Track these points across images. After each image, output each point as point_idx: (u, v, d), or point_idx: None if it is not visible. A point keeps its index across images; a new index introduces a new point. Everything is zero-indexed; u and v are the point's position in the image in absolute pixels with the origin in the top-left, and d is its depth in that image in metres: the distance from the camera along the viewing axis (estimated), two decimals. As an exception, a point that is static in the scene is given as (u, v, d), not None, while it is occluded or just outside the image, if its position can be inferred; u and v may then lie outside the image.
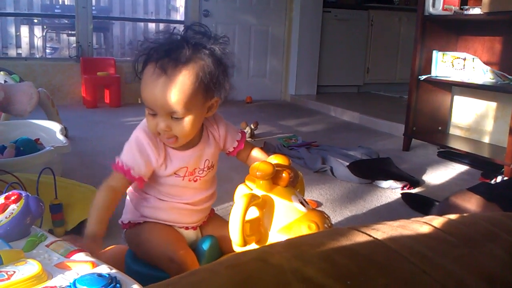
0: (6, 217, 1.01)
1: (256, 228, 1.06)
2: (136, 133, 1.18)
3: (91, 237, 1.09)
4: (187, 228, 1.27)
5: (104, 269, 0.90)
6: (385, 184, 2.70)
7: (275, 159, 1.17)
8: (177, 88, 1.08)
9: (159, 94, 1.09)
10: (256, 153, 1.32)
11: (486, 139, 3.44)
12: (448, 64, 3.34)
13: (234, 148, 1.29)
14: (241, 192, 1.14)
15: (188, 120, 1.12)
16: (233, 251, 1.10)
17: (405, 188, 2.67)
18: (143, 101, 1.13)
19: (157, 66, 1.08)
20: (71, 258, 0.94)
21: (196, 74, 1.09)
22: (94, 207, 1.14)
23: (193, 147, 1.22)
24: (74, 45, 5.52)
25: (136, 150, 1.16)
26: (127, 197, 1.30)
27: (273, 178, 1.10)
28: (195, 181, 1.23)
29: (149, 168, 1.17)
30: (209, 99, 1.15)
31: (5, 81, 3.33)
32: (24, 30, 7.10)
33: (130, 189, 1.28)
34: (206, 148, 1.24)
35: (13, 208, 1.02)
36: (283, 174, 1.10)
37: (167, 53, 1.09)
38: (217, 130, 1.27)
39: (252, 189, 1.13)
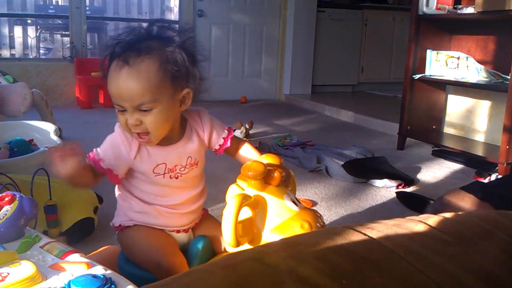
0: (0, 219, 1.00)
1: (248, 228, 1.05)
2: (115, 129, 1.20)
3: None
4: (178, 231, 1.25)
5: (99, 270, 0.89)
6: (380, 183, 2.70)
7: (267, 158, 1.17)
8: (141, 77, 1.07)
9: (123, 85, 1.07)
10: (246, 149, 1.30)
11: (480, 138, 3.46)
12: (442, 63, 3.35)
13: (220, 145, 1.27)
14: (233, 192, 1.13)
15: (157, 111, 1.09)
16: (226, 251, 1.10)
17: (399, 187, 2.68)
18: (111, 97, 1.12)
19: (120, 59, 1.08)
20: (65, 259, 0.94)
21: (160, 62, 1.08)
22: None
23: (174, 144, 1.20)
24: (68, 45, 5.50)
25: (110, 144, 1.18)
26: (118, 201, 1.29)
27: (265, 177, 1.09)
28: (176, 178, 1.20)
29: (119, 162, 1.17)
30: (179, 90, 1.13)
31: (-2, 82, 3.31)
32: (18, 30, 7.07)
33: (118, 192, 1.27)
34: (188, 144, 1.21)
35: (7, 209, 1.02)
36: (275, 174, 1.10)
37: (129, 45, 1.09)
38: (201, 127, 1.25)
39: (244, 189, 1.12)
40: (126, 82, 1.07)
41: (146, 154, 1.17)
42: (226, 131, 1.28)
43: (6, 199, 1.04)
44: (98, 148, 1.19)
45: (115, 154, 1.16)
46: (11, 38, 7.05)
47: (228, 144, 1.27)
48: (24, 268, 0.85)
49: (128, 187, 1.23)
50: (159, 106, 1.09)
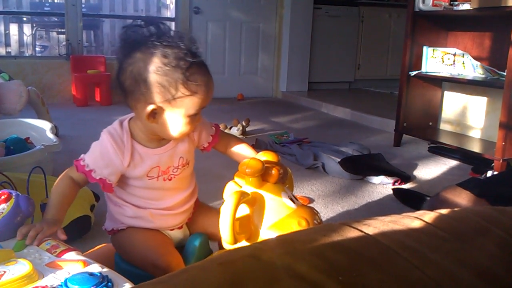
0: (-4, 217, 1.00)
1: (246, 226, 1.06)
2: (102, 136, 1.15)
3: (51, 220, 1.08)
4: (172, 229, 1.25)
5: (95, 268, 0.90)
6: (376, 179, 2.70)
7: (264, 155, 1.17)
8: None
9: (213, 87, 1.15)
10: (236, 145, 1.30)
11: (477, 134, 3.46)
12: (438, 60, 3.35)
13: (208, 143, 1.27)
14: (231, 189, 1.14)
15: None
16: (223, 248, 1.10)
17: (396, 183, 2.68)
18: (194, 109, 1.11)
19: (200, 65, 1.11)
20: (62, 257, 0.94)
21: None
22: (54, 193, 1.14)
23: (166, 145, 1.18)
24: (64, 43, 5.49)
25: (99, 153, 1.14)
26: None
27: (263, 175, 1.10)
28: (169, 179, 1.19)
29: (112, 171, 1.13)
30: None
31: (-6, 80, 3.30)
32: (13, 28, 7.04)
33: (109, 198, 1.24)
34: (179, 145, 1.20)
35: (3, 207, 1.02)
36: (273, 171, 1.10)
37: (191, 53, 1.10)
38: None
39: (241, 186, 1.13)
40: (212, 82, 1.15)
41: (139, 159, 1.15)
42: (213, 128, 1.28)
43: (2, 197, 1.04)
44: (85, 157, 1.14)
45: (107, 163, 1.13)
46: (7, 35, 7.02)
47: (217, 141, 1.28)
48: (21, 266, 0.84)
49: (119, 193, 1.20)
50: None
